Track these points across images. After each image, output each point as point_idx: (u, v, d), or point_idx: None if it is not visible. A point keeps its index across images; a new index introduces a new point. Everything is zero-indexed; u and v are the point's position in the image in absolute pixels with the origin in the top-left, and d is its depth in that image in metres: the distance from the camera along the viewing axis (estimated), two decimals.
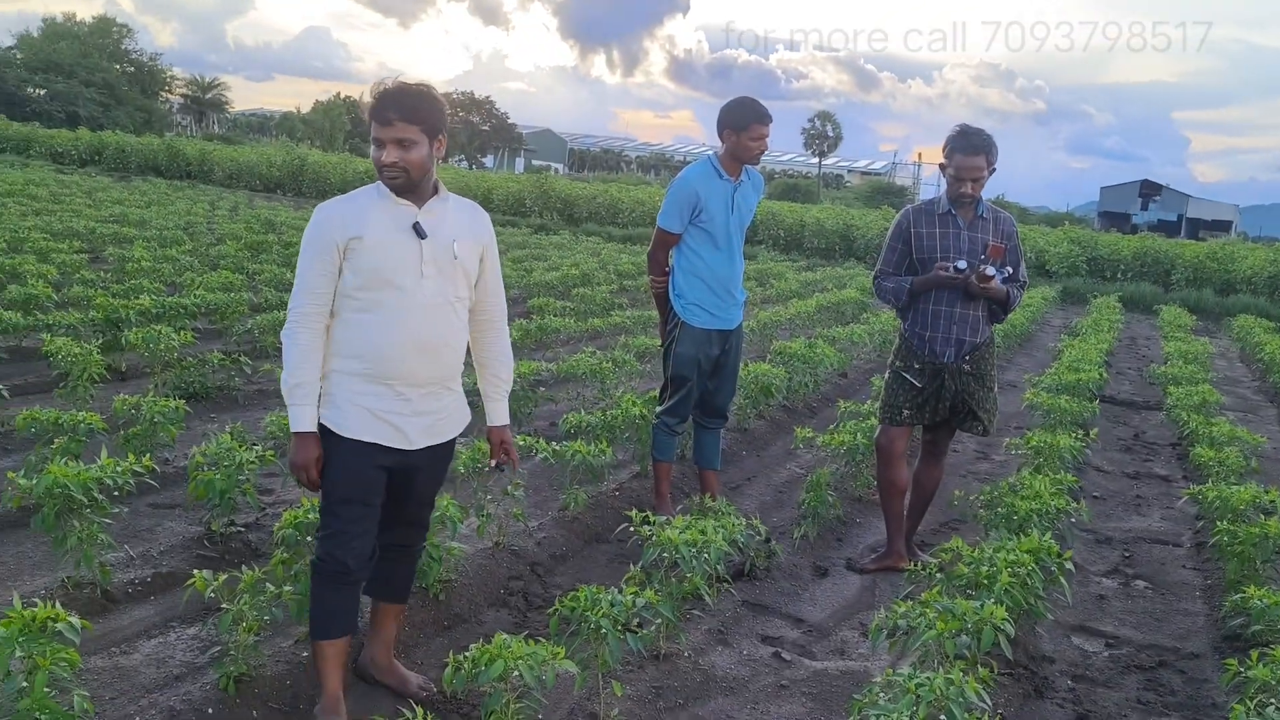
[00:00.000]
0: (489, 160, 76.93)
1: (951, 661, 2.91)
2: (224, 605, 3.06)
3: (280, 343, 2.98)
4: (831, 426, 5.80)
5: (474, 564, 4.18)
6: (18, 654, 2.45)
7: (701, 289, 4.87)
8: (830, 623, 4.20)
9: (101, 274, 9.63)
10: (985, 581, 3.39)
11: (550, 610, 3.12)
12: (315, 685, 3.24)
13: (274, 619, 3.15)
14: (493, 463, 3.26)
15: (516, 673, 2.63)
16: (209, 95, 73.92)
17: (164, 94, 67.32)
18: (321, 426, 2.91)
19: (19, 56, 57.47)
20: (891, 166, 78.94)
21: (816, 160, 75.56)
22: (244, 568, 3.17)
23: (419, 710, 2.36)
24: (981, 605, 3.07)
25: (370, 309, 2.86)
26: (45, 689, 2.48)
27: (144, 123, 55.36)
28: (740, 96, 4.77)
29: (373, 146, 2.81)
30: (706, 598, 3.61)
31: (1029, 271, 19.40)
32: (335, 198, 2.97)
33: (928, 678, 2.65)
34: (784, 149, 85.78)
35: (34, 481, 3.47)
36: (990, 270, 4.30)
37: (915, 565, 3.90)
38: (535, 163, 72.06)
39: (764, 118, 4.72)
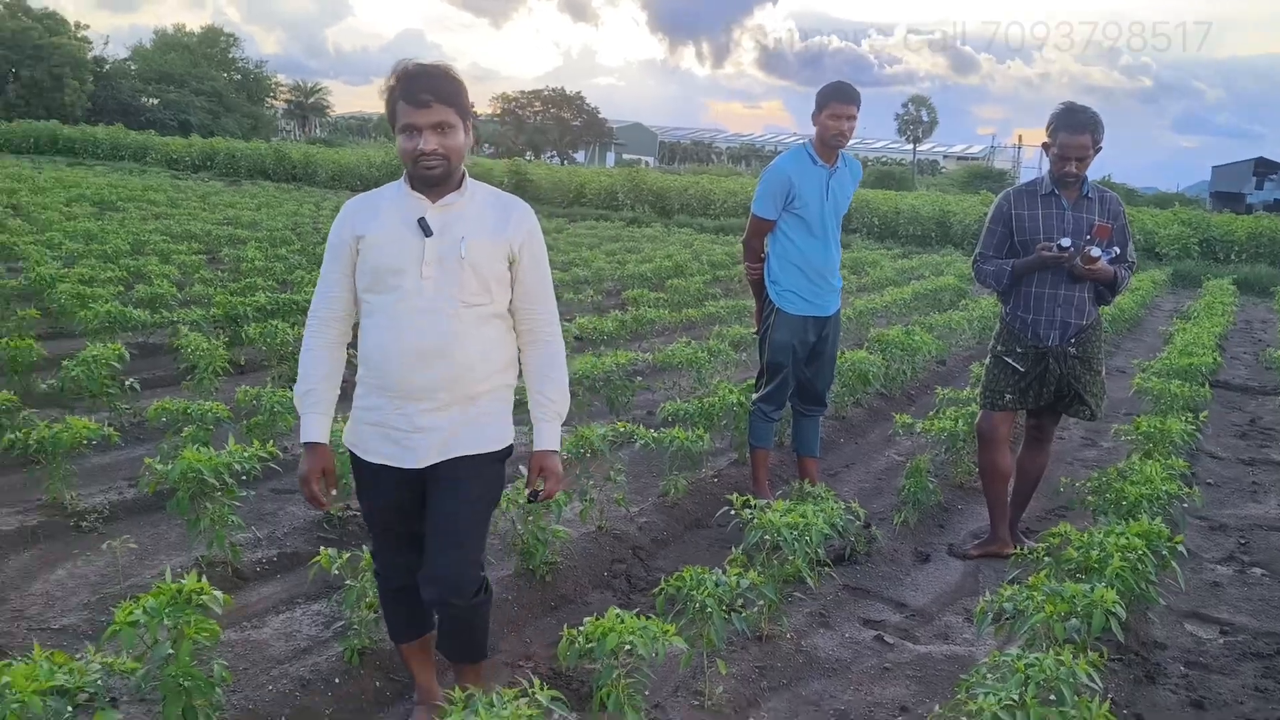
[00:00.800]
0: (580, 156, 77.56)
1: (1060, 645, 2.89)
2: (348, 582, 3.22)
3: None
4: (931, 413, 5.74)
5: (578, 547, 4.30)
6: (166, 623, 2.63)
7: (797, 276, 4.89)
8: (933, 608, 4.20)
9: (219, 273, 10.08)
10: (1095, 565, 3.35)
11: (655, 590, 3.20)
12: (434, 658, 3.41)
13: None
14: (527, 491, 2.85)
15: (629, 647, 2.72)
16: (311, 100, 76.42)
17: (269, 100, 69.79)
18: None
19: (133, 68, 60.23)
20: (990, 150, 76.96)
21: (911, 146, 74.16)
22: (362, 548, 3.33)
23: (535, 681, 2.46)
24: (1091, 589, 3.04)
25: (375, 312, 2.65)
26: (189, 657, 2.67)
27: (251, 128, 57.48)
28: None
29: (401, 136, 2.52)
30: (809, 580, 3.64)
31: (1137, 254, 18.66)
32: (362, 193, 2.79)
33: (1037, 658, 2.65)
34: (877, 136, 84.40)
35: (169, 466, 3.70)
36: (1095, 251, 4.21)
37: (1020, 550, 3.86)
38: (626, 156, 72.40)
39: (844, 96, 4.67)
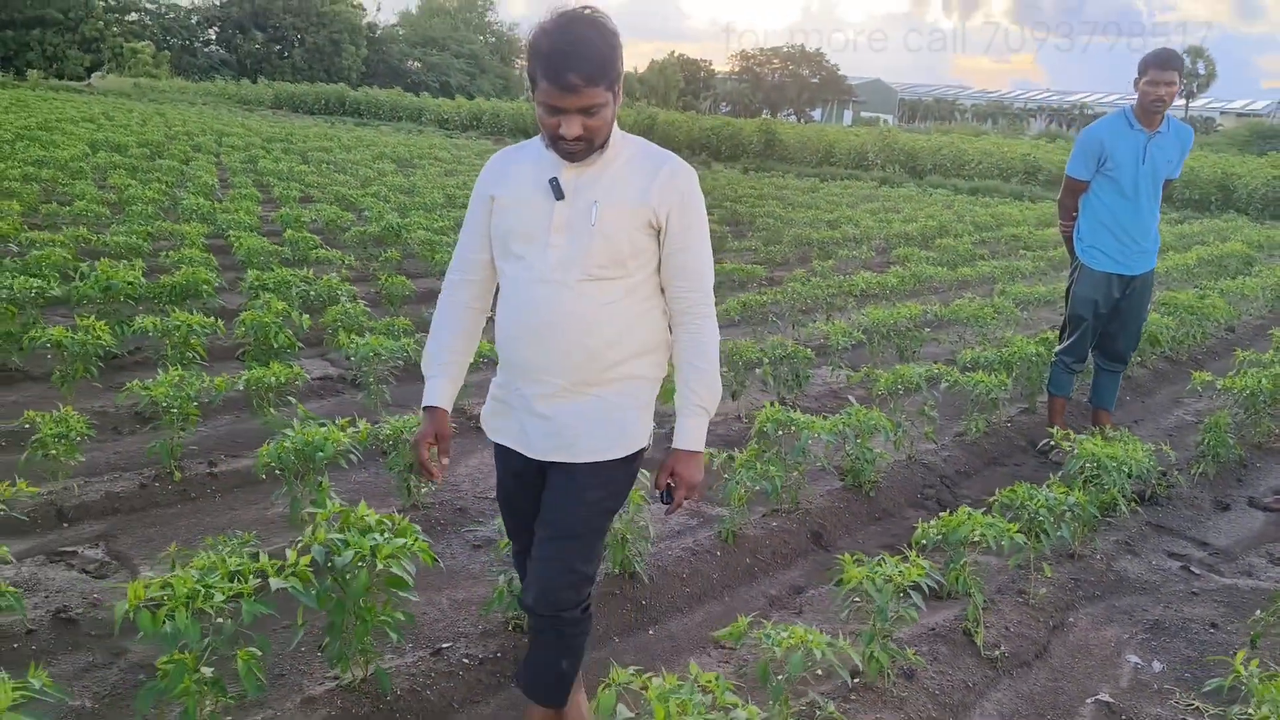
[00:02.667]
0: (817, 114, 76.57)
1: None
2: (724, 476, 3.93)
3: None
4: (1230, 373, 5.86)
5: (894, 471, 4.86)
6: None
7: (1103, 234, 5.18)
8: (1236, 549, 4.47)
9: None
10: None
11: (989, 500, 3.71)
12: (788, 547, 4.09)
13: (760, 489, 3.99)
14: (656, 492, 2.47)
15: (978, 535, 3.26)
16: None
17: (519, 60, 73.27)
18: None
19: (401, 33, 64.82)
20: (1276, 106, 69.69)
21: (1183, 102, 68.37)
22: (735, 449, 4.03)
23: (911, 553, 3.04)
24: None
25: (503, 281, 2.41)
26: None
27: (503, 88, 60.69)
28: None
29: (541, 109, 2.19)
30: (1122, 507, 4.04)
31: None
32: (510, 146, 2.51)
33: None
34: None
35: None
36: None
37: None
38: (864, 114, 70.83)
39: (1162, 63, 4.89)
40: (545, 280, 2.30)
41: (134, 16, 56.54)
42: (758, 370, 5.62)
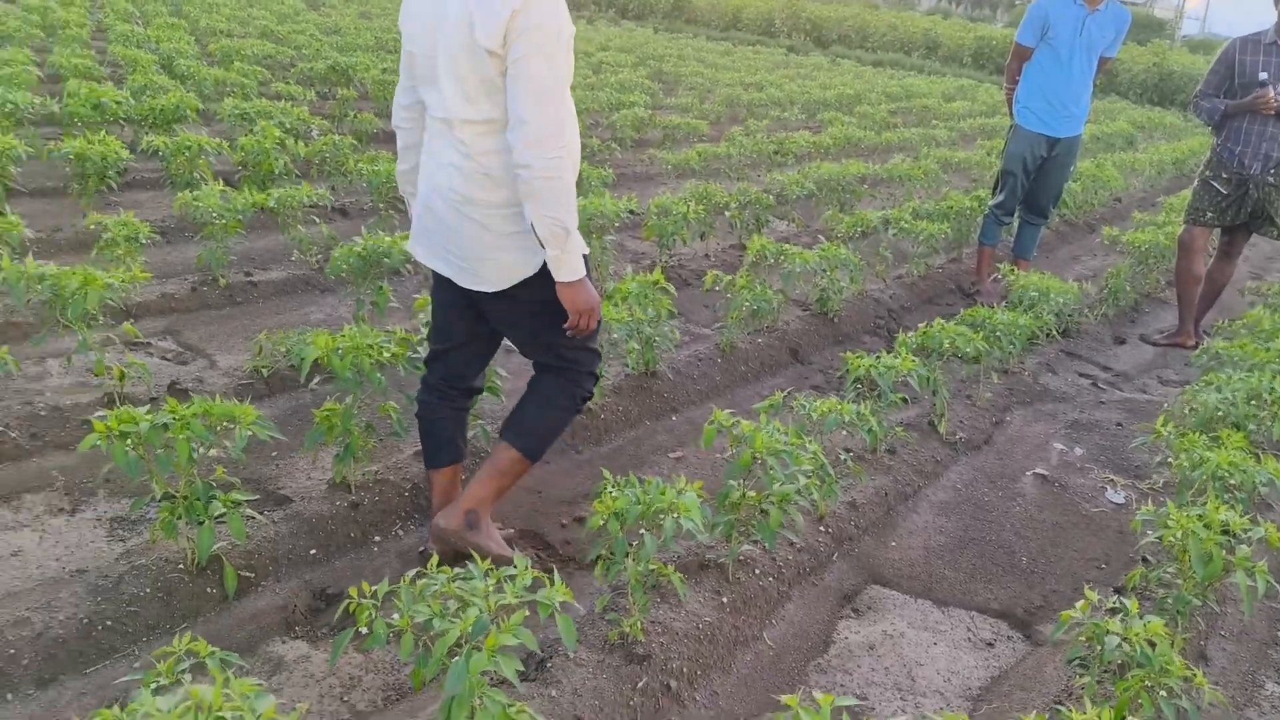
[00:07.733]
0: None
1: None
2: (727, 296, 4.51)
3: None
4: (1131, 229, 6.71)
5: (851, 303, 5.52)
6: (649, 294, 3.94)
7: (1037, 97, 5.83)
8: (1133, 372, 5.35)
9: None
10: None
11: (954, 320, 4.39)
12: (773, 360, 4.73)
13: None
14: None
15: (948, 343, 3.95)
16: None
17: None
18: None
19: None
20: None
21: None
22: None
23: (888, 356, 3.69)
24: None
25: None
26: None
27: None
28: None
29: None
30: (1053, 333, 4.81)
31: None
32: None
33: (1244, 377, 3.80)
34: None
35: None
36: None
37: (1200, 344, 4.91)
38: None
39: None
40: None
41: None
42: (726, 214, 6.16)
